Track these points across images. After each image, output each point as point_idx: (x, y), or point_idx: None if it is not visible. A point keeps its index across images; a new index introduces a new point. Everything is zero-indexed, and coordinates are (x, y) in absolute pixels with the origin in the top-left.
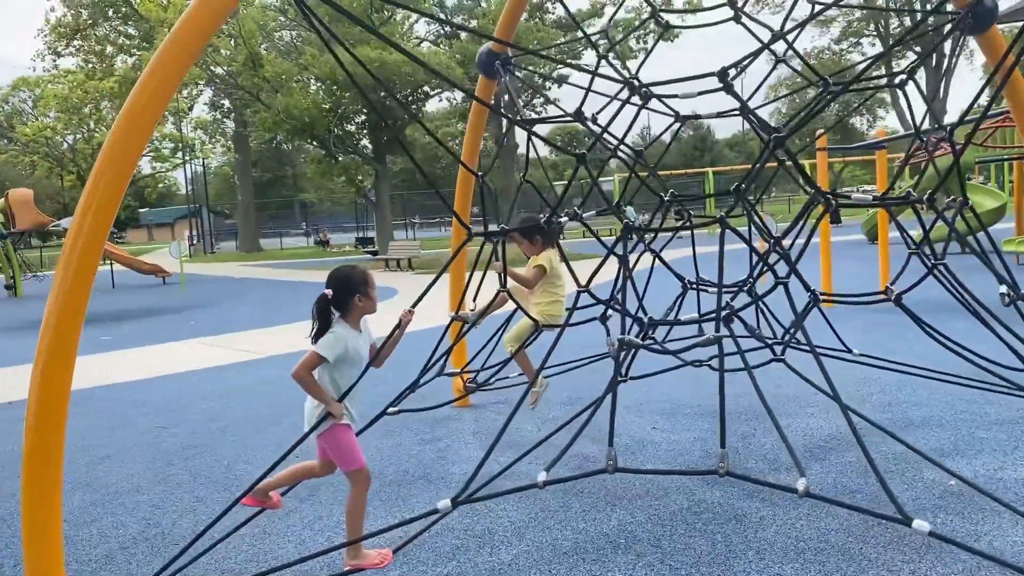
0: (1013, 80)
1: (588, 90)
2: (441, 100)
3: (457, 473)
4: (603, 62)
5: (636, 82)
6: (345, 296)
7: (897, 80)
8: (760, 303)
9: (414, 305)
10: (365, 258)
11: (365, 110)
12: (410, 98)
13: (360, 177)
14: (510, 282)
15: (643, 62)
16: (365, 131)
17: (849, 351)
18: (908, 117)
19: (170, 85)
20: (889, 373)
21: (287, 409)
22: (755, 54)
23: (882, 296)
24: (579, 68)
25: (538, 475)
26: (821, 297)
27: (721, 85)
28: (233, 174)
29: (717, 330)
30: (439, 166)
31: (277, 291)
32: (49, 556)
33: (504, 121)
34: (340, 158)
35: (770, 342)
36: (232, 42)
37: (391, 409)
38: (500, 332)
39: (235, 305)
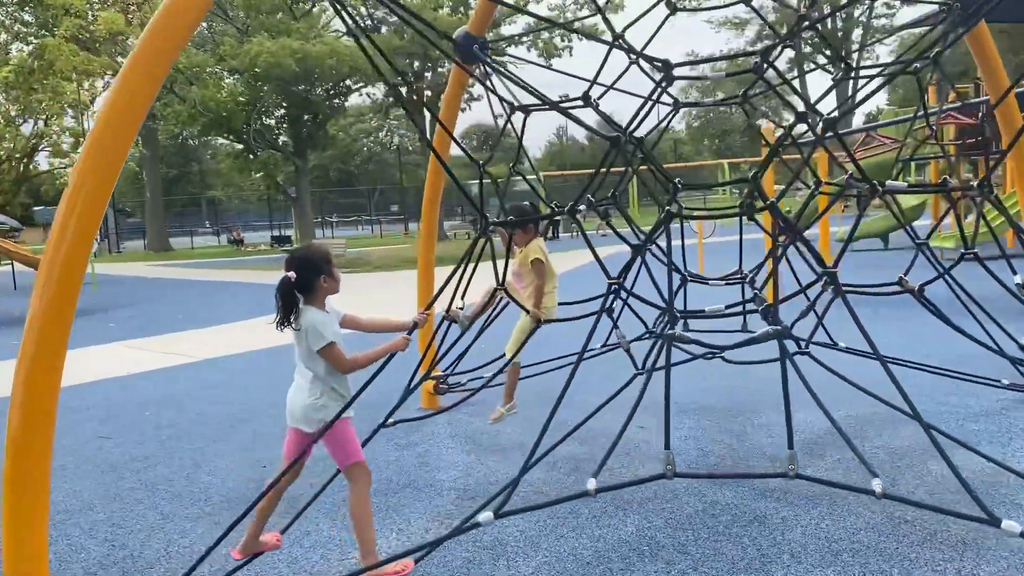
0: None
1: (594, 79)
2: (362, 96)
3: (445, 480)
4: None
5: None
6: (309, 277)
7: (915, 67)
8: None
9: (427, 308)
10: (284, 258)
11: (285, 104)
12: (332, 91)
13: (278, 173)
14: (508, 278)
15: (648, 42)
16: (284, 125)
17: (835, 344)
18: (920, 102)
19: (153, 81)
20: (864, 366)
21: (240, 414)
22: (785, 37)
23: (897, 287)
24: (598, 40)
25: (587, 483)
26: (844, 289)
27: (752, 68)
28: (140, 170)
29: (775, 323)
30: (353, 163)
31: (196, 291)
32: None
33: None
34: (258, 153)
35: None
36: (143, 30)
37: (389, 420)
38: (480, 332)
39: (156, 306)
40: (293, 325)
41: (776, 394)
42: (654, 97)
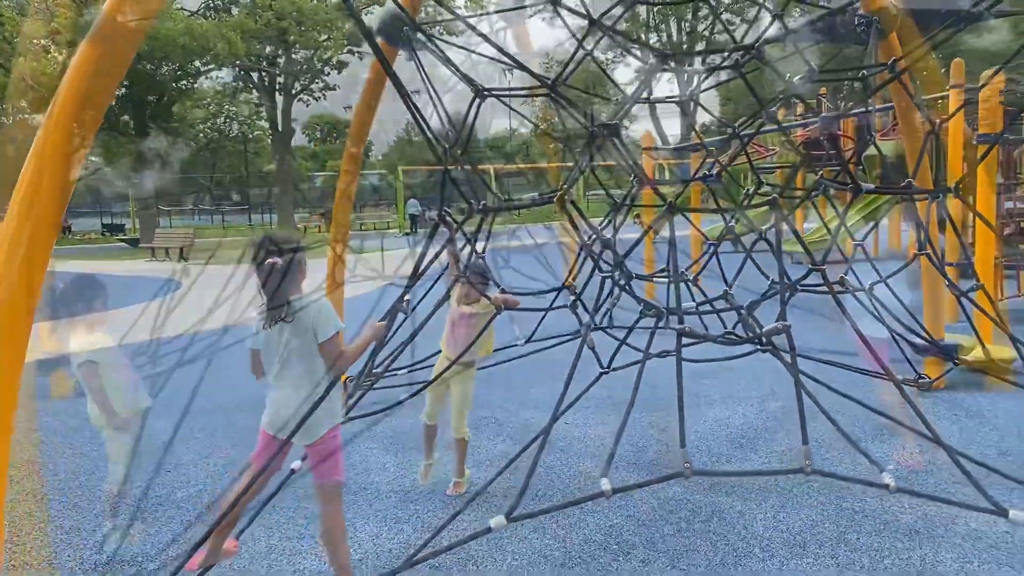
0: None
1: (565, 66)
2: (208, 78)
3: (381, 482)
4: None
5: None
6: (291, 265)
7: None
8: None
9: (382, 319)
10: (120, 247)
11: (126, 81)
12: (180, 72)
13: (118, 156)
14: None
15: (616, 22)
16: (128, 104)
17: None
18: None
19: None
20: (767, 364)
21: None
22: (770, 40)
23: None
24: (580, 15)
25: (601, 483)
26: (799, 288)
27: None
28: None
29: (782, 318)
30: (188, 150)
31: None
32: None
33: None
34: (97, 134)
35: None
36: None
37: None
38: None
39: None
40: (286, 318)
41: (686, 387)
42: (647, 91)
